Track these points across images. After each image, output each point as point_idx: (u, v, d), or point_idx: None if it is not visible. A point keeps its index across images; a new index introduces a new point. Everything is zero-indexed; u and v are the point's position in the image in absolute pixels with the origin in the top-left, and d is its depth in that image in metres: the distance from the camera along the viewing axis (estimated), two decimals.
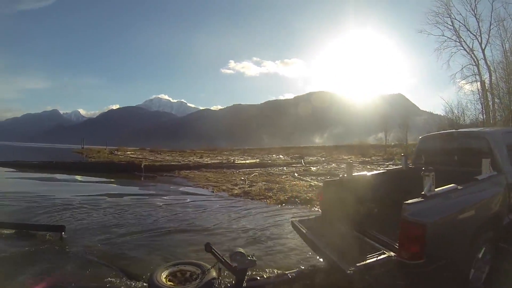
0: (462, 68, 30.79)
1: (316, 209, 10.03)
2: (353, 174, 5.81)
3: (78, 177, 19.60)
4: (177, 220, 8.53)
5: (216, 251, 4.08)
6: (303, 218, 5.75)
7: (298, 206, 10.59)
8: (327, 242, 4.28)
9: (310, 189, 12.99)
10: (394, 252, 3.46)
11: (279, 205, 10.71)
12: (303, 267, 4.83)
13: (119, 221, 8.29)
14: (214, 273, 4.05)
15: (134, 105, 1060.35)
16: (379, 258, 3.43)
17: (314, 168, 23.18)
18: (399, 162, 23.64)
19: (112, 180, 18.81)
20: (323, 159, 34.55)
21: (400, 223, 3.22)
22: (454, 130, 6.06)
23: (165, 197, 12.55)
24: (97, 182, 17.94)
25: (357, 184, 5.43)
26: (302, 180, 16.32)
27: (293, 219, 5.59)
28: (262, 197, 12.11)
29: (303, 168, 24.05)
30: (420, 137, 6.90)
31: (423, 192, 3.38)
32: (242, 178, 17.75)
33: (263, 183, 15.66)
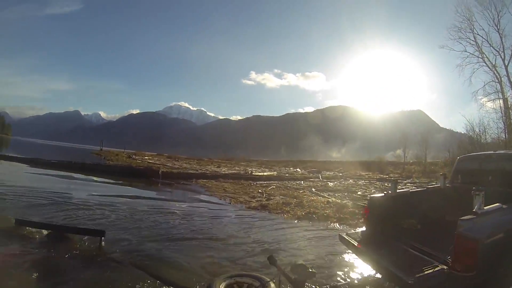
0: (484, 85, 30.33)
1: (333, 225, 10.08)
2: (397, 191, 6.08)
3: (95, 178, 19.86)
4: (193, 230, 8.58)
5: (278, 264, 4.10)
6: (350, 232, 5.97)
7: (315, 222, 10.50)
8: (381, 254, 4.59)
9: (328, 205, 12.87)
10: (444, 265, 3.81)
11: (296, 220, 10.65)
12: (343, 281, 5.25)
13: (141, 226, 8.42)
14: (272, 286, 4.07)
15: (154, 111, 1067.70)
16: (435, 270, 3.77)
17: (332, 184, 23.02)
18: (417, 181, 23.46)
19: (129, 184, 19.07)
20: (341, 174, 34.31)
21: (455, 238, 3.59)
22: (492, 152, 6.22)
23: (182, 205, 12.63)
24: (115, 184, 18.14)
25: (401, 201, 5.85)
26: (320, 195, 16.16)
27: (340, 232, 5.79)
28: (279, 211, 12.04)
29: (320, 183, 23.88)
30: (458, 158, 7.11)
31: (474, 210, 3.73)
32: (260, 190, 17.64)
33: (281, 197, 15.57)
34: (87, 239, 6.63)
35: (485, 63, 30.38)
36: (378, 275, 5.12)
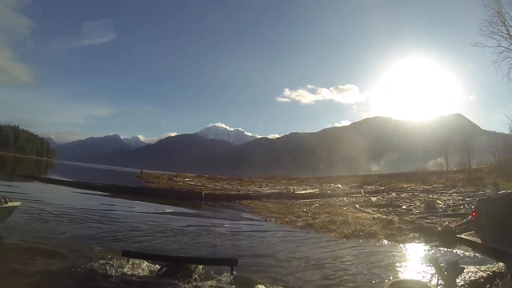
0: None
1: (381, 242, 10.14)
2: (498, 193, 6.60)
3: (143, 202, 20.35)
4: (244, 249, 8.94)
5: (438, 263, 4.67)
6: (468, 233, 6.57)
7: (362, 239, 10.52)
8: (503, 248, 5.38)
9: (374, 222, 12.91)
10: None
11: (344, 239, 10.67)
12: None
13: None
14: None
15: (192, 132, 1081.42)
16: None
17: (374, 199, 22.83)
18: (462, 190, 22.91)
19: (175, 207, 19.51)
20: (382, 188, 33.85)
21: None
22: None
23: (226, 226, 13.17)
24: (161, 208, 18.56)
25: (506, 201, 6.32)
26: (364, 212, 16.20)
27: (458, 235, 6.57)
28: (325, 230, 12.16)
29: (363, 198, 23.72)
30: None
31: None
32: (304, 209, 17.69)
33: (326, 215, 15.58)
34: (208, 269, 6.28)
35: None
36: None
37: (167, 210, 18.08)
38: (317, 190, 32.64)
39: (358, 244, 9.97)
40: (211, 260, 6.81)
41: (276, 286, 5.90)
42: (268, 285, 5.88)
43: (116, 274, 5.91)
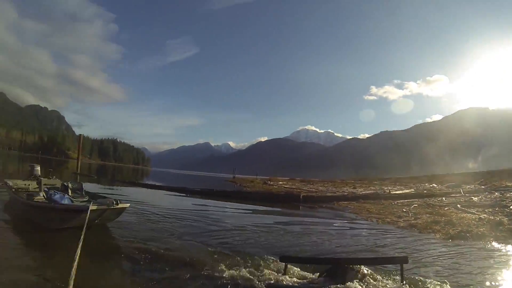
0: None
1: (491, 244, 9.91)
2: None
3: (239, 204, 21.05)
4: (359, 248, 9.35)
5: None
6: None
7: (469, 241, 10.36)
8: None
9: (480, 222, 12.57)
10: None
11: (449, 240, 10.64)
12: None
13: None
14: None
15: (282, 137, 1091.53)
16: None
17: (476, 199, 22.03)
18: None
19: (275, 209, 20.61)
20: (483, 187, 32.32)
21: None
22: None
23: (329, 226, 13.53)
24: (262, 210, 19.59)
25: None
26: (468, 212, 15.86)
27: None
28: (429, 230, 12.19)
29: (463, 198, 23.06)
30: None
31: None
32: (404, 209, 17.76)
33: (427, 215, 15.54)
34: (372, 269, 5.96)
35: None
36: None
37: (269, 212, 19.08)
38: (413, 190, 32.04)
39: (465, 245, 9.90)
40: (377, 259, 6.58)
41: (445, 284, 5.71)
42: (439, 283, 5.74)
43: (281, 283, 5.63)
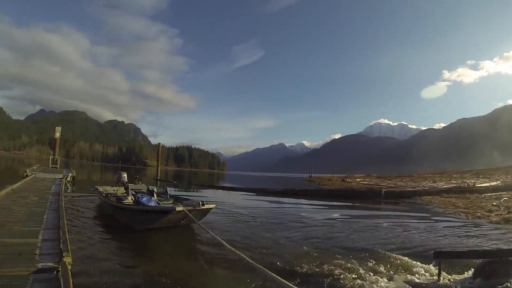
0: None
1: None
2: None
3: (320, 202, 20.94)
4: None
5: None
6: None
7: None
8: None
9: None
10: None
11: None
12: None
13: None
14: None
15: (355, 132, 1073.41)
16: None
17: None
18: None
19: (357, 204, 20.39)
20: None
21: None
22: None
23: (415, 221, 13.39)
24: (344, 207, 19.41)
25: None
26: None
27: None
28: None
29: None
30: None
31: None
32: (494, 203, 16.99)
33: None
34: None
35: None
36: None
37: (353, 207, 19.14)
38: (499, 182, 30.50)
39: None
40: None
41: None
42: None
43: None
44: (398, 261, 6.68)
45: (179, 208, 8.96)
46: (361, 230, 10.80)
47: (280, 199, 22.59)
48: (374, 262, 6.60)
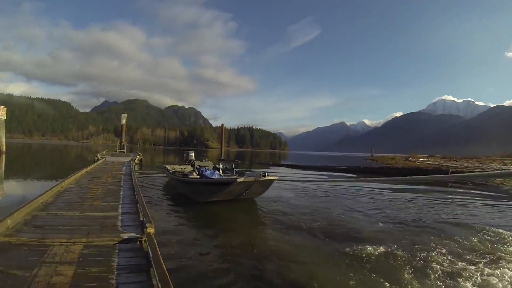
0: None
1: None
2: None
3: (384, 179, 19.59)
4: None
5: None
6: None
7: None
8: None
9: None
10: None
11: None
12: None
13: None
14: None
15: (417, 110, 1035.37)
16: None
17: None
18: None
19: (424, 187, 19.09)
20: None
21: None
22: None
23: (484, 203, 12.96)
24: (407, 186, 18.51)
25: None
26: None
27: None
28: None
29: None
30: None
31: None
32: None
33: None
34: None
35: None
36: None
37: (423, 189, 18.35)
38: None
39: None
40: None
41: None
42: None
43: None
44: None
45: (240, 179, 8.98)
46: (431, 207, 10.88)
47: (345, 176, 23.43)
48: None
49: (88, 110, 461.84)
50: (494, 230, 7.38)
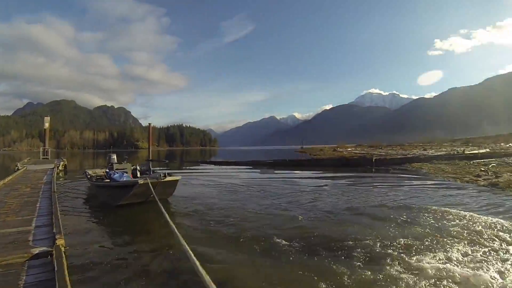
0: None
1: None
2: None
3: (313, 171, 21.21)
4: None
5: None
6: None
7: None
8: None
9: None
10: None
11: None
12: None
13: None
14: None
15: (347, 102, 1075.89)
16: None
17: None
18: None
19: (351, 173, 20.09)
20: None
21: None
22: None
23: (415, 184, 13.78)
24: (338, 175, 19.22)
25: None
26: None
27: None
28: None
29: None
30: None
31: None
32: (482, 169, 17.11)
33: (509, 174, 15.05)
34: None
35: None
36: None
37: (347, 176, 18.65)
38: (488, 150, 30.88)
39: None
40: None
41: None
42: None
43: None
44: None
45: (141, 181, 8.95)
46: (349, 193, 11.53)
47: (271, 170, 23.25)
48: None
49: (9, 113, 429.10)
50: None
